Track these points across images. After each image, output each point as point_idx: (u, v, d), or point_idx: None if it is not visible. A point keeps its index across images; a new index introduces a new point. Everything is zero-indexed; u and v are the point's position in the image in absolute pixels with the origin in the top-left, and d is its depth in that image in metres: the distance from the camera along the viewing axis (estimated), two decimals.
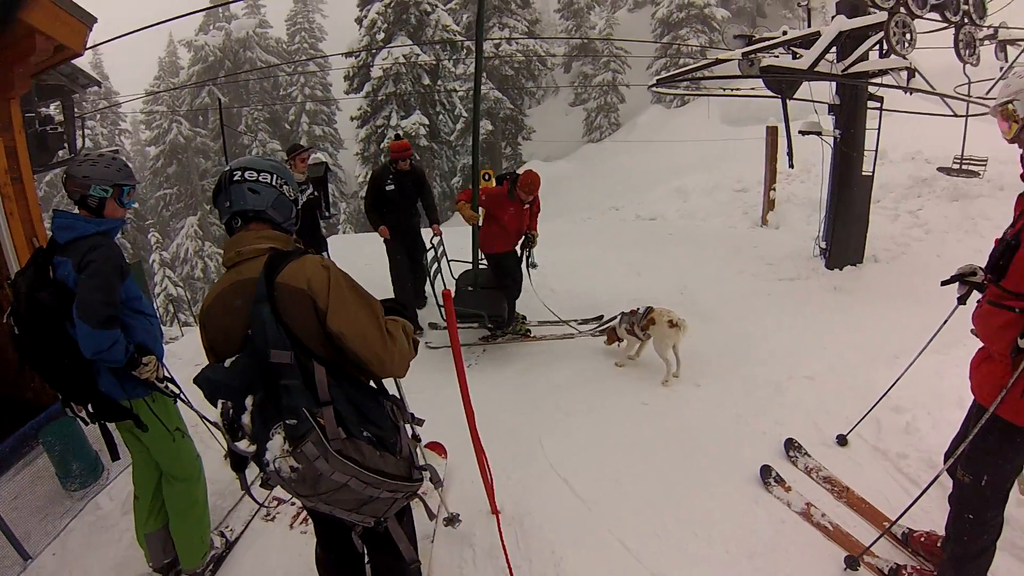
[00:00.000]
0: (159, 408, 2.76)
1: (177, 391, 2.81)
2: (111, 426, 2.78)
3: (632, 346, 4.89)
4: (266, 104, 30.37)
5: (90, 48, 4.76)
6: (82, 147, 8.17)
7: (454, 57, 23.82)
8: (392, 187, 5.84)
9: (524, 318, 5.55)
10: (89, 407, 2.65)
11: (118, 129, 30.28)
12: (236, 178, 1.94)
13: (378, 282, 5.20)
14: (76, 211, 2.64)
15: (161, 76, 32.33)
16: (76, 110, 7.84)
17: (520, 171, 5.33)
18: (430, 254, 5.58)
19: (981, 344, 2.31)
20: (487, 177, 9.71)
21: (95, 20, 4.38)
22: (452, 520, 2.99)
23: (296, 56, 30.75)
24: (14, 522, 3.24)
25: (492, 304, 5.15)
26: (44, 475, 3.80)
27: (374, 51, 22.05)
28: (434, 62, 22.75)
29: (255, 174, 1.95)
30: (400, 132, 20.27)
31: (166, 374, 2.78)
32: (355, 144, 23.53)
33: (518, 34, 24.32)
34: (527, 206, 5.30)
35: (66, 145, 7.19)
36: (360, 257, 5.20)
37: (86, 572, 3.09)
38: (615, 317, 4.94)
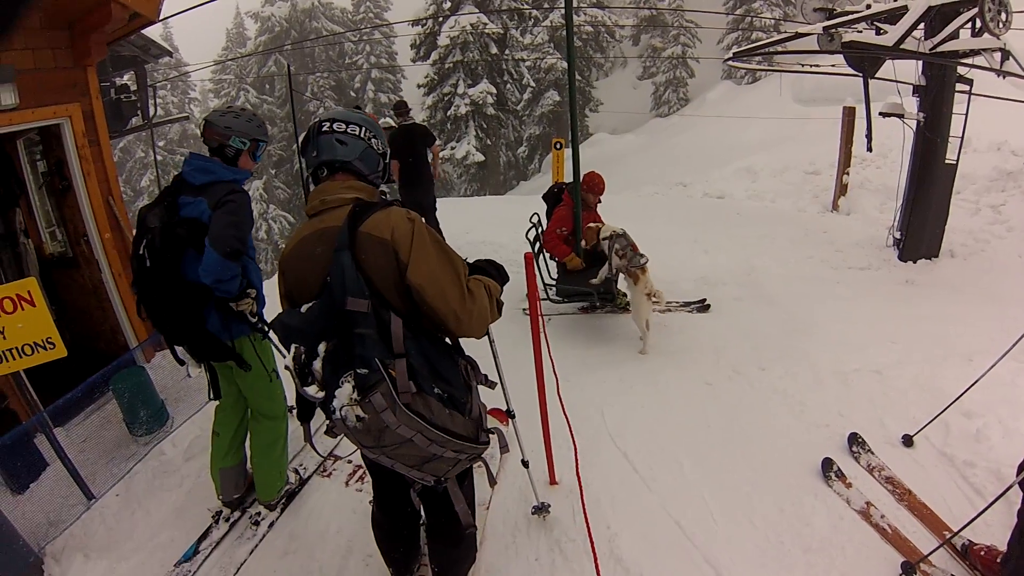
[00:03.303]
0: (262, 349, 2.92)
1: (267, 329, 2.92)
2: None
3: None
4: (332, 72, 30.75)
5: (162, 20, 4.91)
6: (154, 115, 8.47)
7: (521, 27, 23.48)
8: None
9: (625, 295, 5.48)
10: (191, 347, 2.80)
11: (188, 98, 31.22)
12: (325, 129, 1.94)
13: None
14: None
15: (228, 47, 33.11)
16: (148, 80, 8.12)
17: (565, 182, 5.35)
18: (531, 233, 5.41)
19: None
20: (559, 146, 9.58)
21: None
22: (541, 510, 2.97)
23: (361, 25, 30.92)
24: (81, 464, 3.44)
25: (604, 282, 5.09)
26: (113, 420, 4.03)
27: (441, 19, 21.94)
28: (501, 31, 22.49)
29: (343, 125, 1.95)
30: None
31: (259, 310, 2.89)
32: (421, 111, 23.49)
33: (586, 5, 23.77)
34: (598, 206, 5.47)
35: (139, 113, 7.48)
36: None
37: (147, 513, 3.26)
38: (618, 237, 4.87)
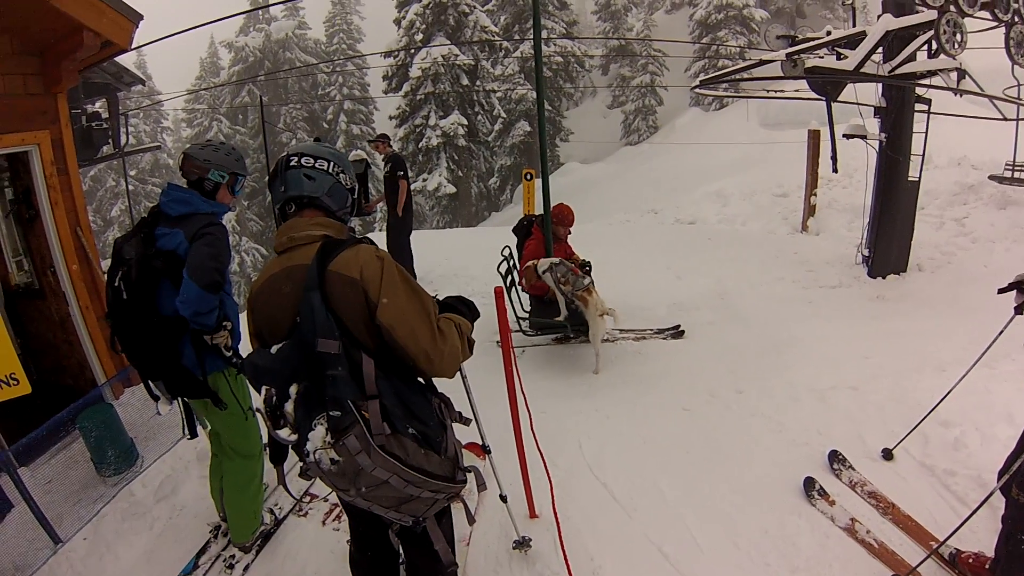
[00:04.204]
0: (238, 386, 2.85)
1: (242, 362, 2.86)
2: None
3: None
4: (305, 103, 30.83)
5: (135, 48, 4.87)
6: (125, 143, 8.37)
7: (492, 58, 23.90)
8: None
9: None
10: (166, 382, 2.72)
11: (160, 127, 31.01)
12: (293, 163, 1.91)
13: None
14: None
15: (202, 76, 33.07)
16: (120, 108, 8.03)
17: (535, 215, 5.38)
18: (503, 266, 5.40)
19: None
20: (529, 177, 9.66)
21: (141, 17, 4.46)
22: (522, 544, 2.91)
23: (334, 57, 31.18)
24: (47, 506, 3.28)
25: (574, 314, 5.09)
26: (79, 460, 3.86)
27: (413, 51, 22.24)
28: (472, 63, 22.85)
29: (312, 160, 1.92)
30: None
31: (234, 345, 2.82)
32: (394, 143, 23.65)
33: (556, 35, 24.30)
34: (568, 237, 5.47)
35: (110, 141, 7.38)
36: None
37: (116, 558, 3.12)
38: (555, 266, 4.88)
